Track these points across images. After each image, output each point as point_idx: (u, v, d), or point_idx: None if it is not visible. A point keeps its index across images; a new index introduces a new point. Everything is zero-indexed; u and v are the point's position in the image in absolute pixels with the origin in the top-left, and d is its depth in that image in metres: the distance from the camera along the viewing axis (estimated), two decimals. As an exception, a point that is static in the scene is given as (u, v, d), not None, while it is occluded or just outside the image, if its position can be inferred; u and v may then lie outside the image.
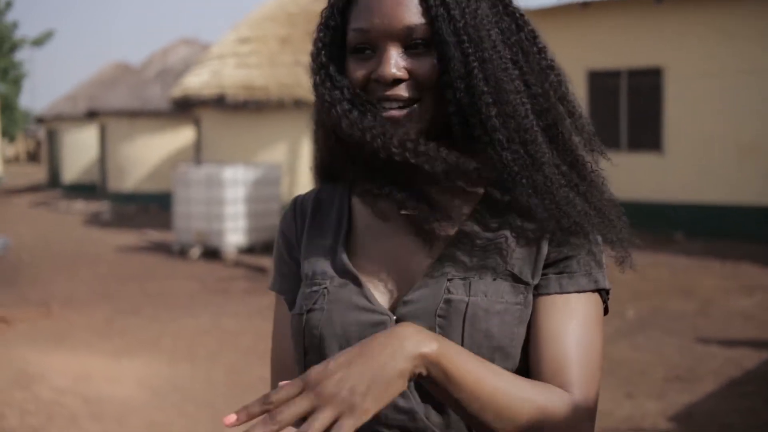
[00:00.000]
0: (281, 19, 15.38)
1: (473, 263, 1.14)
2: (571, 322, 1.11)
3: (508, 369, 1.08)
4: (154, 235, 15.21)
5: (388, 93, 1.14)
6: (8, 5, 37.31)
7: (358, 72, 1.17)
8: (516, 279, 1.13)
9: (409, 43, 1.14)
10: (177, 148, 20.60)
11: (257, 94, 14.35)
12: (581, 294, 1.13)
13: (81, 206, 21.64)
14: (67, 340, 7.36)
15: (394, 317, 1.14)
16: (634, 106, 12.11)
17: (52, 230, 16.41)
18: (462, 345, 1.07)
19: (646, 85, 11.97)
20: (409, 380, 0.96)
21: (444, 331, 1.09)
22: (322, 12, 1.24)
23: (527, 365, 1.12)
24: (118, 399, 5.64)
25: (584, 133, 1.22)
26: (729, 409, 5.03)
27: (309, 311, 1.19)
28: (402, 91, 1.14)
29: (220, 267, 11.70)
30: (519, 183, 1.13)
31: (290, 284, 1.31)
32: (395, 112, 1.14)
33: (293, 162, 14.59)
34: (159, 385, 5.95)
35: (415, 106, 1.14)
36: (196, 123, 17.45)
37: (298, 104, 14.19)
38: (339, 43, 1.20)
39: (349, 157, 1.22)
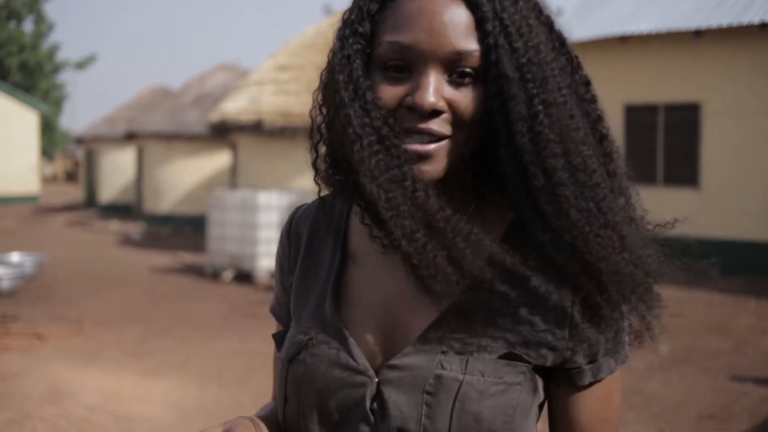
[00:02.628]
0: (320, 46, 15.53)
1: (473, 335, 1.03)
2: (603, 406, 1.09)
3: None
4: (188, 258, 15.33)
5: (421, 126, 1.00)
6: (50, 27, 38.21)
7: (390, 93, 1.02)
8: (517, 358, 1.03)
9: (455, 71, 1.00)
10: (212, 172, 20.82)
11: (294, 121, 14.48)
12: (610, 376, 1.09)
13: (116, 226, 21.89)
14: (98, 359, 7.42)
15: (376, 380, 1.05)
16: (670, 141, 12.04)
17: (86, 249, 16.60)
18: (449, 426, 1.00)
19: (683, 121, 11.90)
20: None
21: (431, 410, 1.01)
22: (344, 14, 1.09)
23: None
24: (147, 419, 5.66)
25: (624, 195, 1.09)
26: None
27: (291, 361, 1.12)
28: (436, 125, 1.00)
29: (252, 291, 11.74)
30: (592, 241, 1.00)
31: (283, 311, 1.26)
32: (422, 147, 1.00)
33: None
34: (187, 407, 5.97)
35: (446, 141, 1.01)
36: (233, 148, 17.62)
37: (333, 131, 14.29)
38: (364, 54, 1.05)
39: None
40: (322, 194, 1.19)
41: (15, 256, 12.25)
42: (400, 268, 1.05)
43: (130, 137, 23.08)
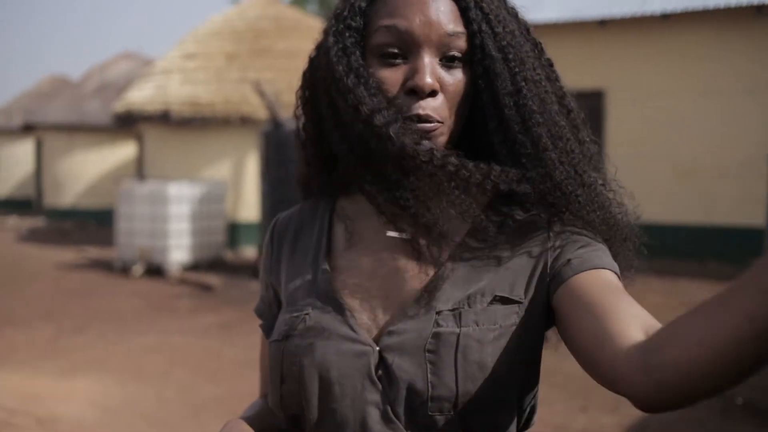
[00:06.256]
0: (227, 35, 15.31)
1: (463, 290, 1.08)
2: (601, 280, 1.03)
3: (504, 392, 1.05)
4: (94, 252, 14.92)
5: (421, 112, 1.08)
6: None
7: (391, 77, 1.09)
8: (507, 300, 1.08)
9: (445, 54, 1.10)
10: (117, 164, 20.29)
11: (203, 111, 14.23)
12: (599, 269, 1.05)
13: (15, 222, 21.10)
14: (10, 360, 7.16)
15: (377, 348, 1.07)
16: (577, 127, 12.35)
17: (-14, 246, 15.96)
18: (456, 378, 1.03)
19: (589, 107, 12.19)
20: None
21: (435, 366, 1.03)
22: (337, 13, 1.15)
23: (521, 390, 1.08)
24: (71, 418, 5.51)
25: (592, 161, 1.18)
26: (680, 420, 5.17)
27: (287, 338, 1.12)
28: (432, 110, 1.08)
29: (165, 284, 11.52)
30: (573, 201, 1.11)
31: (267, 309, 1.28)
32: (422, 126, 1.08)
33: (238, 179, 14.50)
34: (110, 404, 5.84)
35: (440, 125, 1.10)
36: (139, 138, 17.22)
37: (244, 121, 14.11)
38: (359, 47, 1.12)
39: (354, 169, 1.15)
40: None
41: None
42: (388, 248, 1.14)
43: (27, 129, 22.25)
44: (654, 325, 0.92)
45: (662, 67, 11.53)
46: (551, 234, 1.11)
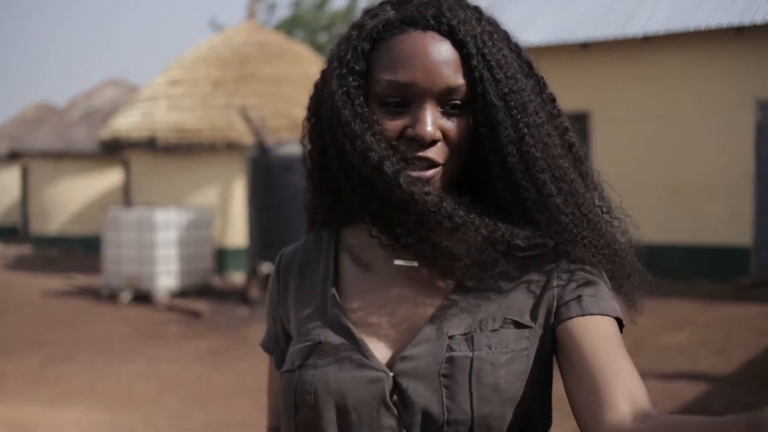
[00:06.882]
0: (213, 61, 15.34)
1: (473, 315, 1.11)
2: (603, 338, 1.06)
3: (518, 415, 1.06)
4: (81, 279, 14.83)
5: (421, 154, 1.10)
6: None
7: (391, 126, 1.11)
8: (518, 325, 1.10)
9: (447, 103, 1.11)
10: (103, 191, 20.22)
11: (189, 137, 14.23)
12: (604, 317, 1.08)
13: (1, 250, 20.97)
14: (-2, 389, 7.11)
15: (391, 374, 1.08)
16: (562, 149, 12.42)
17: (-29, 275, 15.83)
18: (471, 402, 1.05)
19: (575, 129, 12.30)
20: None
21: (450, 391, 1.05)
22: (340, 54, 1.15)
23: (534, 405, 1.10)
24: (60, 448, 5.47)
25: (596, 191, 1.22)
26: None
27: (300, 367, 1.13)
28: (433, 153, 1.10)
29: (152, 311, 11.46)
30: (579, 243, 1.13)
31: (274, 343, 1.30)
32: (422, 173, 1.10)
33: (225, 205, 14.48)
34: (100, 433, 5.80)
35: (439, 168, 1.11)
36: (125, 165, 17.18)
37: (230, 147, 14.11)
38: (362, 90, 1.14)
39: (360, 204, 1.16)
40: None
41: None
42: (396, 275, 1.16)
43: (13, 156, 22.18)
44: (641, 404, 0.97)
45: (645, 88, 11.64)
46: (557, 266, 1.14)
